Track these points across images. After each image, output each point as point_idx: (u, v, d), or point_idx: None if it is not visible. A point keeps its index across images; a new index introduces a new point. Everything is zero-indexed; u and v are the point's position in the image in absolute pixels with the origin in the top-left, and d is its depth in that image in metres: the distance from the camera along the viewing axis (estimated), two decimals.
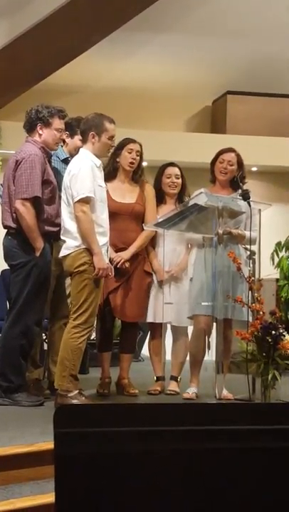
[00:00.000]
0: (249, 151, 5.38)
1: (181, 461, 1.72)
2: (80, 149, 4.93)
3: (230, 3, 7.01)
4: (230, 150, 5.39)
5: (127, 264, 5.25)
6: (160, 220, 5.19)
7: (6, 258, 5.05)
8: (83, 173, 4.70)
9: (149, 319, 5.43)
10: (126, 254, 5.25)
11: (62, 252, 4.81)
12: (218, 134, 9.32)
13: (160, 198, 5.55)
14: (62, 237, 4.84)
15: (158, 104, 9.40)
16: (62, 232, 4.85)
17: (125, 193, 5.40)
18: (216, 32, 7.62)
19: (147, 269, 5.41)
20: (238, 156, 5.36)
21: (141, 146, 5.40)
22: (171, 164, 5.61)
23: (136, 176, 5.44)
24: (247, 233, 5.13)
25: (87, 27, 6.55)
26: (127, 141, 5.36)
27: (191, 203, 5.07)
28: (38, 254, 4.90)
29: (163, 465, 1.70)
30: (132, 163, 5.35)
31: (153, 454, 1.69)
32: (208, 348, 5.17)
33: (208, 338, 5.15)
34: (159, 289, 5.42)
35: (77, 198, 4.67)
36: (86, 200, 4.68)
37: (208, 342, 5.15)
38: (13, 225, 4.96)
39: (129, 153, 5.34)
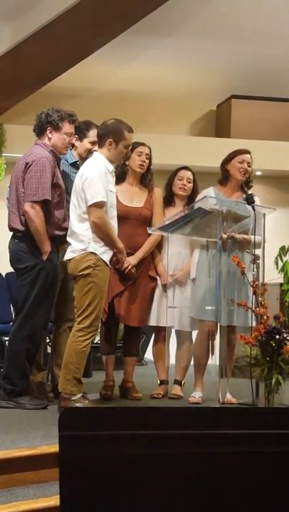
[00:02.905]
0: (253, 156, 5.38)
1: (184, 464, 1.71)
2: (94, 153, 4.92)
3: (234, 7, 7.01)
4: (248, 151, 5.38)
5: (134, 270, 5.25)
6: (164, 224, 5.18)
7: (13, 261, 5.04)
8: (97, 177, 4.70)
9: (152, 323, 5.43)
10: (133, 260, 5.25)
11: (68, 255, 4.80)
12: (223, 138, 9.32)
13: (170, 200, 5.55)
14: (68, 239, 4.83)
15: (162, 108, 9.41)
16: (68, 233, 4.83)
17: (133, 197, 5.41)
18: (220, 36, 7.62)
19: (152, 274, 5.41)
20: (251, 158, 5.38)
21: (150, 149, 5.42)
22: (185, 168, 5.63)
23: (145, 179, 5.45)
24: (251, 237, 5.11)
25: (91, 31, 6.55)
26: (136, 144, 5.37)
27: (196, 207, 5.06)
28: (45, 257, 4.90)
29: (166, 468, 1.70)
30: (141, 165, 5.36)
31: (156, 457, 1.69)
32: (212, 352, 5.16)
33: (213, 342, 5.14)
34: (163, 293, 5.42)
35: (92, 201, 4.66)
36: (100, 205, 4.68)
37: (213, 346, 5.15)
38: (21, 228, 4.95)
39: (139, 155, 5.36)
